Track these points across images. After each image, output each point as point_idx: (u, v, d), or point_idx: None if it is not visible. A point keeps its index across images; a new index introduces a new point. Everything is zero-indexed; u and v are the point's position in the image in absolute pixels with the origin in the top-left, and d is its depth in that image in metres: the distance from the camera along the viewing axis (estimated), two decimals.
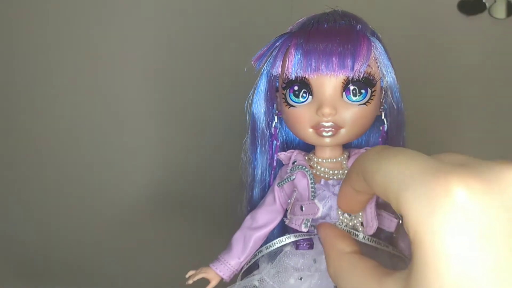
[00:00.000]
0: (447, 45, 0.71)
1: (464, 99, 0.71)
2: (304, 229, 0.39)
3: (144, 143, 0.73)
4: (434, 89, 0.71)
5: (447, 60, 0.71)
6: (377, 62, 0.40)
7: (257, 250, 0.42)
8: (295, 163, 0.41)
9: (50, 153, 0.73)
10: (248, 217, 0.44)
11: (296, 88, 0.39)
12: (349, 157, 0.42)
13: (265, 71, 0.42)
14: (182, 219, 0.72)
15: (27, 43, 0.72)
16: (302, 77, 0.39)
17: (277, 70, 0.40)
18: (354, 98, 0.39)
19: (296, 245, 0.40)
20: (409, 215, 0.22)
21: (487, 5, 0.70)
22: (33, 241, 0.73)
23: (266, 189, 0.45)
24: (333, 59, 0.37)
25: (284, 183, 0.41)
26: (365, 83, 0.39)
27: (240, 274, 0.43)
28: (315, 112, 0.39)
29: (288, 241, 0.40)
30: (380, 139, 0.43)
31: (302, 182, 0.40)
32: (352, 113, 0.39)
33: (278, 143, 0.44)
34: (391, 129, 0.43)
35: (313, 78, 0.38)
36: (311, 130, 0.40)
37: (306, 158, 0.42)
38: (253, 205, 0.45)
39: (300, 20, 0.42)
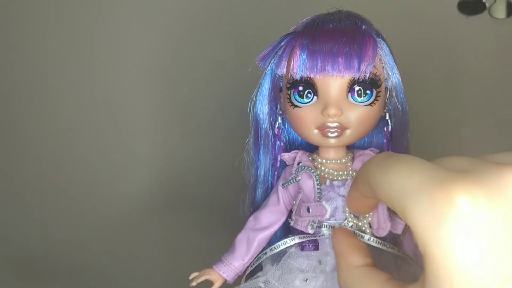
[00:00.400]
0: (447, 45, 0.71)
1: (464, 99, 0.71)
2: (310, 231, 0.38)
3: (146, 144, 0.73)
4: (434, 89, 0.71)
5: (447, 60, 0.71)
6: (382, 63, 0.40)
7: (261, 252, 0.42)
8: (300, 164, 0.41)
9: (50, 153, 0.73)
10: (251, 218, 0.43)
11: (301, 88, 0.39)
12: (353, 158, 0.42)
13: (269, 71, 0.41)
14: (184, 220, 0.72)
15: (27, 43, 0.72)
16: (307, 78, 0.38)
17: (282, 70, 0.40)
18: (359, 99, 0.39)
19: (302, 246, 0.40)
20: (416, 227, 0.22)
21: (487, 5, 0.70)
22: (33, 241, 0.73)
23: (269, 190, 0.45)
24: (339, 59, 0.37)
25: (289, 184, 0.41)
26: (371, 84, 0.39)
27: (244, 276, 0.43)
28: (320, 113, 0.39)
29: (292, 242, 0.40)
30: (385, 140, 0.43)
31: (307, 183, 0.40)
32: (357, 114, 0.39)
33: (281, 144, 0.44)
34: (395, 130, 0.42)
35: (318, 78, 0.38)
36: (316, 131, 0.40)
37: (310, 158, 0.42)
38: (256, 206, 0.45)
39: (304, 19, 0.42)
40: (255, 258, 0.42)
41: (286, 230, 0.43)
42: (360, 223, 0.38)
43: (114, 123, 0.73)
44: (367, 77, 0.38)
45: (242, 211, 0.47)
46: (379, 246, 0.38)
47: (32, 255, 0.73)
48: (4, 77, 0.72)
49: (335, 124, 0.39)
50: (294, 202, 0.41)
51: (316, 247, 0.39)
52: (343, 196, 0.39)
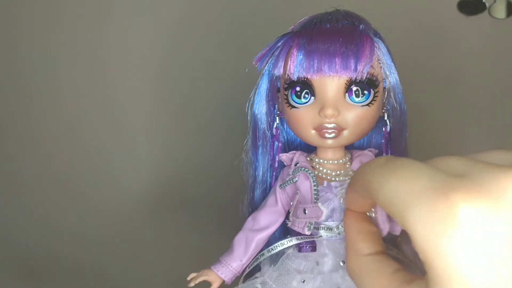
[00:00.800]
0: (447, 45, 0.71)
1: (464, 99, 0.71)
2: (307, 232, 0.38)
3: (146, 144, 0.73)
4: (434, 89, 0.70)
5: (447, 60, 0.71)
6: (380, 63, 0.39)
7: (258, 253, 0.42)
8: (298, 164, 0.41)
9: (50, 154, 0.73)
10: (250, 218, 0.43)
11: (298, 89, 0.39)
12: (351, 158, 0.41)
13: (267, 72, 0.41)
14: (183, 221, 0.72)
15: (27, 43, 0.72)
16: (304, 78, 0.38)
17: (279, 71, 0.39)
18: (357, 99, 0.39)
19: (299, 247, 0.40)
20: (416, 236, 0.22)
21: (487, 5, 0.70)
22: (33, 241, 0.73)
23: (267, 191, 0.45)
24: (336, 60, 0.37)
25: (286, 185, 0.41)
26: (368, 84, 0.38)
27: (242, 277, 0.43)
28: (317, 113, 0.39)
29: (290, 244, 0.40)
30: (383, 140, 0.43)
31: (304, 184, 0.40)
32: (354, 114, 0.39)
33: (279, 144, 0.44)
34: (393, 130, 0.42)
35: (315, 79, 0.38)
36: (313, 131, 0.40)
37: (308, 159, 0.42)
38: (254, 206, 0.45)
39: (302, 19, 0.41)
40: (253, 259, 0.42)
41: (285, 230, 0.43)
42: None
43: (114, 123, 0.73)
44: (364, 77, 0.38)
45: (241, 211, 0.47)
46: None
47: (32, 255, 0.73)
48: (4, 77, 0.72)
49: (332, 125, 0.39)
50: (291, 203, 0.41)
51: (313, 248, 0.39)
52: (341, 197, 0.39)
